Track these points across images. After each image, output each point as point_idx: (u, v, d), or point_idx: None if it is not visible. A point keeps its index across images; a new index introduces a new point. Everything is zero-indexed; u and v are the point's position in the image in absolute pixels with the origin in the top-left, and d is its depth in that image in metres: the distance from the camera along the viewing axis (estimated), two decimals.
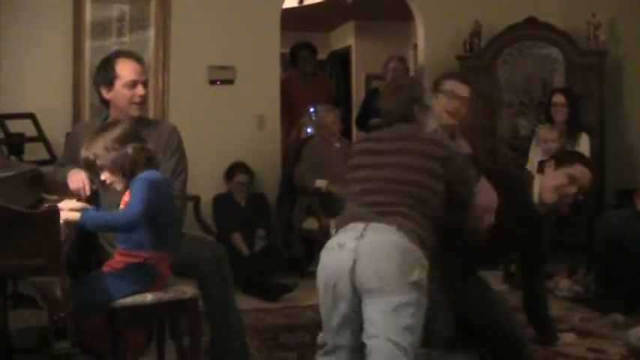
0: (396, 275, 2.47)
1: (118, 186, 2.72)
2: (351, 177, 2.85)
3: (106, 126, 2.83)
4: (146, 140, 2.78)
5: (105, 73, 3.23)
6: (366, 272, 2.49)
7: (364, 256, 2.50)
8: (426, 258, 2.57)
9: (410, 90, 2.99)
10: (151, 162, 2.73)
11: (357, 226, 2.58)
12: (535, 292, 3.68)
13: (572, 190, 3.42)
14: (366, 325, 2.50)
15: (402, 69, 6.28)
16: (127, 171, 2.68)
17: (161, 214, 2.70)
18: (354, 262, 2.50)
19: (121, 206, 2.67)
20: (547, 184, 3.43)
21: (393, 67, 6.24)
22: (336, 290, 2.54)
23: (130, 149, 2.67)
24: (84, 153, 2.71)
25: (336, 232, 2.69)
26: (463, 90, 3.55)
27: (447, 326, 3.15)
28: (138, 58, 3.30)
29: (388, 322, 2.46)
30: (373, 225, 2.57)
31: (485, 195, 3.02)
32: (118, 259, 2.72)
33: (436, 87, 3.60)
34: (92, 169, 2.72)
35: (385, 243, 2.53)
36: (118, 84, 3.20)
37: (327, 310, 2.60)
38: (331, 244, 2.62)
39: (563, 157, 3.60)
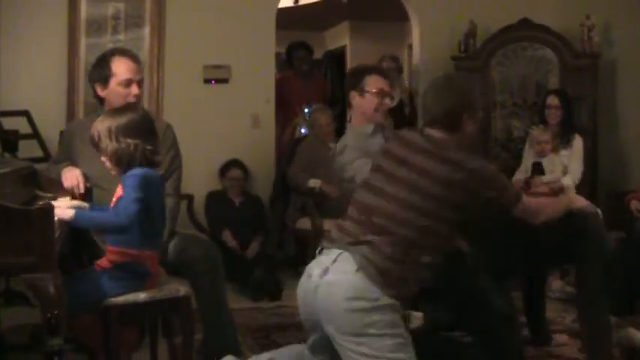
0: (348, 323, 2.46)
1: (112, 172, 2.73)
2: (366, 180, 2.72)
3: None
4: (155, 137, 2.77)
5: (100, 71, 3.23)
6: (322, 315, 2.52)
7: (321, 297, 2.51)
8: (390, 294, 2.47)
9: (459, 94, 2.75)
10: (149, 161, 2.71)
11: (329, 255, 2.56)
12: (537, 293, 3.69)
13: None
14: None
15: (395, 68, 6.27)
16: (124, 164, 2.68)
17: (151, 213, 2.69)
18: (315, 298, 2.53)
19: (113, 199, 2.68)
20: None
21: (386, 66, 6.22)
22: (305, 318, 2.65)
23: (131, 145, 2.65)
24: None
25: (320, 251, 2.67)
26: (386, 84, 3.55)
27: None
28: (134, 57, 3.30)
29: None
30: (342, 257, 2.52)
31: None
32: (107, 258, 2.72)
33: (358, 84, 3.54)
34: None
35: (340, 288, 2.48)
36: (113, 82, 3.20)
37: (305, 326, 2.71)
38: (308, 267, 2.63)
39: None
